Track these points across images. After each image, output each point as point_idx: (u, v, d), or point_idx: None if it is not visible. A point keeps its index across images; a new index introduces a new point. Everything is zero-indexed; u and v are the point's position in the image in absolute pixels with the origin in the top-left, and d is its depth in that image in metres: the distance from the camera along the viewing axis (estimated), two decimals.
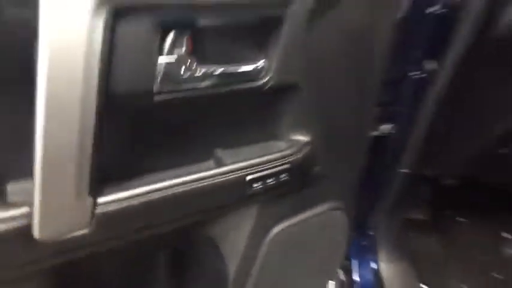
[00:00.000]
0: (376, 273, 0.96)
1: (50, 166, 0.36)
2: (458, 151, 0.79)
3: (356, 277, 0.96)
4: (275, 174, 0.53)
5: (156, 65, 0.39)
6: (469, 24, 0.64)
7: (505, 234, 1.14)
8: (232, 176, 0.50)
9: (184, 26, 0.39)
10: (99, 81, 0.34)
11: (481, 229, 1.13)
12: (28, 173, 0.38)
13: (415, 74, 0.76)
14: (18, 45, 0.33)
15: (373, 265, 0.97)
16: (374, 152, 0.80)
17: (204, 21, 0.40)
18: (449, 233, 1.13)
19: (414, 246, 1.06)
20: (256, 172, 0.52)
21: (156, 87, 0.39)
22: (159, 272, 0.69)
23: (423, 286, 0.99)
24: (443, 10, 0.69)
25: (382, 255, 0.97)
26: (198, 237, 0.61)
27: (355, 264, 0.98)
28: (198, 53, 0.41)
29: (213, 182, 0.48)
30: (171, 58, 0.39)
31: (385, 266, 0.96)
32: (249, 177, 0.51)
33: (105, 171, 0.41)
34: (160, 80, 0.39)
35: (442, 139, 0.77)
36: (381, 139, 0.85)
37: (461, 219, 1.15)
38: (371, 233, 0.98)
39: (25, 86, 0.34)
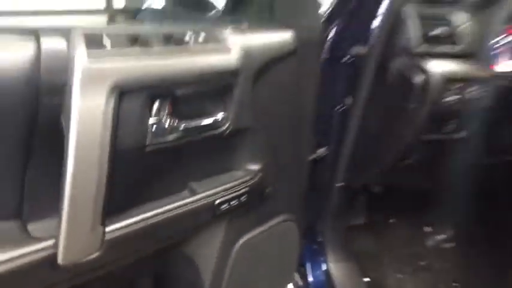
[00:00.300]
0: (327, 273, 1.12)
1: (73, 207, 0.49)
2: (377, 165, 1.00)
3: (310, 278, 1.12)
4: (237, 197, 0.69)
5: (148, 125, 0.53)
6: (370, 69, 0.85)
7: (426, 229, 1.38)
8: (204, 201, 0.65)
9: (165, 96, 0.54)
10: (111, 140, 0.49)
11: (408, 226, 1.36)
12: (43, 215, 0.51)
13: (339, 108, 0.97)
14: (54, 118, 0.47)
15: (324, 266, 1.14)
16: (315, 171, 0.98)
17: (179, 92, 0.56)
18: (383, 233, 1.35)
19: (357, 247, 1.26)
20: (222, 196, 0.67)
21: (148, 141, 0.54)
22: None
23: (366, 279, 1.18)
24: (353, 59, 0.90)
25: (331, 257, 1.14)
26: (177, 255, 0.74)
27: (308, 267, 1.14)
28: (177, 112, 0.57)
29: (190, 207, 0.63)
30: (158, 119, 0.54)
31: (334, 266, 1.13)
32: (217, 201, 0.66)
33: (110, 206, 0.54)
34: (151, 135, 0.54)
35: (365, 156, 0.97)
36: (319, 160, 1.04)
37: (392, 221, 1.37)
38: (320, 239, 1.16)
39: (56, 146, 0.47)
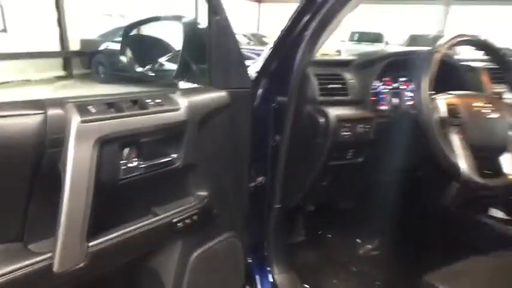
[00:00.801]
0: (273, 283, 1.33)
1: (66, 228, 0.68)
2: (301, 188, 1.25)
3: None
4: (189, 217, 0.90)
5: (120, 166, 0.74)
6: (291, 114, 1.12)
7: (358, 240, 1.64)
8: (164, 221, 0.85)
9: (134, 144, 0.76)
10: (95, 177, 0.69)
11: (342, 239, 1.62)
12: (41, 237, 0.69)
13: (272, 143, 1.22)
14: (53, 164, 0.66)
15: (270, 278, 1.34)
16: (256, 196, 1.21)
17: (144, 140, 0.78)
18: (321, 246, 1.59)
19: (298, 259, 1.48)
20: (178, 217, 0.88)
21: (120, 176, 0.75)
22: None
23: (306, 286, 1.39)
24: (278, 106, 1.17)
25: (275, 270, 1.34)
26: (144, 268, 0.93)
27: (257, 279, 1.34)
28: (142, 155, 0.78)
29: (154, 225, 0.83)
30: (128, 160, 0.76)
31: (278, 277, 1.33)
32: (174, 220, 0.87)
33: (92, 227, 0.73)
34: (122, 172, 0.75)
35: (293, 181, 1.22)
36: (259, 187, 1.27)
37: (328, 235, 1.62)
38: (266, 254, 1.37)
39: (53, 185, 0.66)
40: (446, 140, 0.96)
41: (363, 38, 12.55)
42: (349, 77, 1.18)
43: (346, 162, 1.18)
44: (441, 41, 1.04)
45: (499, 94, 1.22)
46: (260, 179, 1.26)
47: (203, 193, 0.95)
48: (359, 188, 1.33)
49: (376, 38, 12.54)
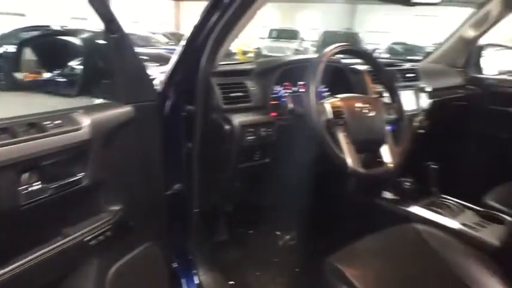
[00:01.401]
0: (199, 284, 1.38)
1: None
2: (216, 190, 1.33)
3: None
4: (102, 233, 0.91)
5: (19, 192, 0.73)
6: (199, 121, 1.16)
7: (277, 233, 1.76)
8: (75, 241, 0.86)
9: (35, 167, 0.76)
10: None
11: (263, 234, 1.72)
12: None
13: (184, 151, 1.26)
14: None
15: (196, 280, 1.39)
16: (176, 203, 1.25)
17: (46, 162, 0.77)
18: (243, 242, 1.68)
19: (222, 258, 1.54)
20: (90, 235, 0.89)
21: (21, 202, 0.74)
22: None
23: (231, 282, 1.47)
24: (188, 114, 1.21)
25: (200, 271, 1.39)
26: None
27: (184, 283, 1.38)
28: (46, 177, 0.78)
29: (64, 247, 0.83)
30: (29, 185, 0.75)
31: (203, 278, 1.38)
32: (86, 239, 0.88)
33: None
34: (23, 197, 0.74)
35: (208, 185, 1.28)
36: (177, 194, 1.30)
37: (249, 232, 1.72)
38: (190, 257, 1.41)
39: None
40: (334, 138, 1.10)
41: (281, 35, 13.07)
42: (250, 84, 1.27)
43: (255, 164, 1.27)
44: (325, 51, 1.18)
45: (380, 93, 1.41)
46: (177, 186, 1.30)
47: (116, 207, 0.96)
48: (272, 186, 1.43)
49: (293, 35, 13.15)
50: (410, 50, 10.35)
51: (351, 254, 1.07)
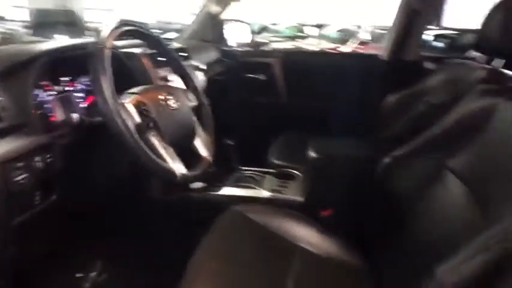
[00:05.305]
0: None
1: None
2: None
3: None
4: None
5: None
6: None
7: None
8: None
9: None
10: None
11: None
12: None
13: None
14: None
15: None
16: None
17: None
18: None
19: None
20: None
21: None
22: None
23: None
24: None
25: None
26: None
27: None
28: None
29: None
30: None
31: None
32: None
33: None
34: None
35: None
36: None
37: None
38: None
39: None
40: (150, 145, 0.87)
41: None
42: None
43: (38, 210, 0.86)
44: (105, 33, 0.88)
45: (165, 77, 1.24)
46: None
47: None
48: (60, 231, 1.05)
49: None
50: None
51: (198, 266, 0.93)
